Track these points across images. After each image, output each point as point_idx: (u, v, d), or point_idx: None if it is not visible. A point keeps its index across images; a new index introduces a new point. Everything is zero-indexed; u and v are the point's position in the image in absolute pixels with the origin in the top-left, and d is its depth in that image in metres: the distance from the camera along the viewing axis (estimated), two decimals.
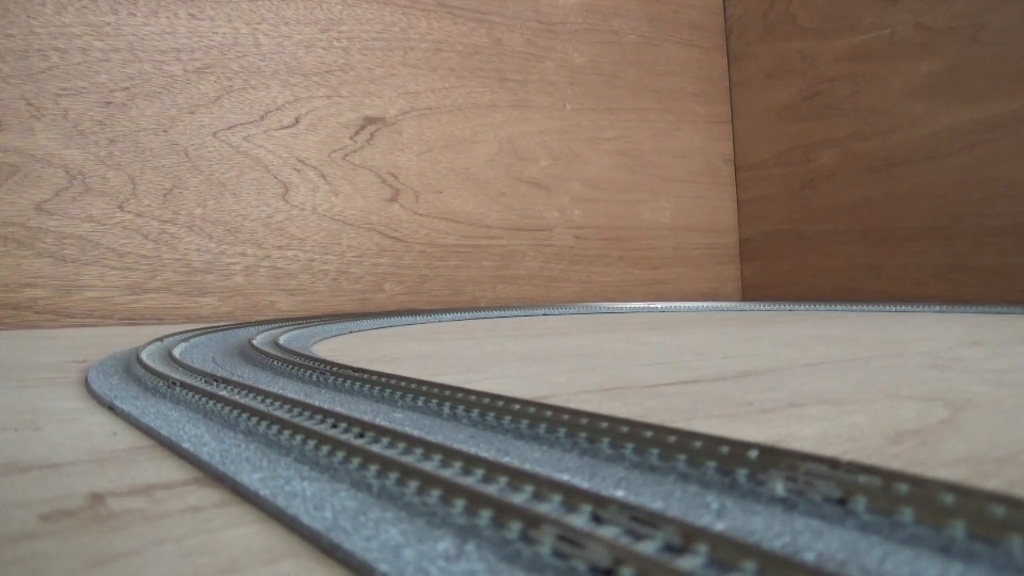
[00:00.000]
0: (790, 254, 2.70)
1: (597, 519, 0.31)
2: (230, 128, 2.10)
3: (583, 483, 0.36)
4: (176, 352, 0.97)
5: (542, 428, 0.48)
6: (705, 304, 2.27)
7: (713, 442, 0.38)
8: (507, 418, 0.51)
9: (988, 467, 0.40)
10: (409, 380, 0.63)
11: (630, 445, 0.42)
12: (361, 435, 0.47)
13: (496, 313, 2.07)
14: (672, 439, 0.40)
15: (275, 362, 0.86)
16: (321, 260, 2.19)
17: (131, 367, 0.86)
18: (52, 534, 0.34)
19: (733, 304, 2.26)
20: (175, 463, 0.46)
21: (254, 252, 2.11)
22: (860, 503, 0.32)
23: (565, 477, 0.38)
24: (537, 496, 0.34)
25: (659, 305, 2.25)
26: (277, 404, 0.57)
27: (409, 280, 2.31)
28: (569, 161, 2.59)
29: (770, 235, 2.78)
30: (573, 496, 0.32)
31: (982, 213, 2.11)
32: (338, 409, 0.52)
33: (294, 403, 0.55)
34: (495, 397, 0.53)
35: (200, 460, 0.45)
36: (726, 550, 0.26)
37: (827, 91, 2.54)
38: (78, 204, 1.92)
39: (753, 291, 2.86)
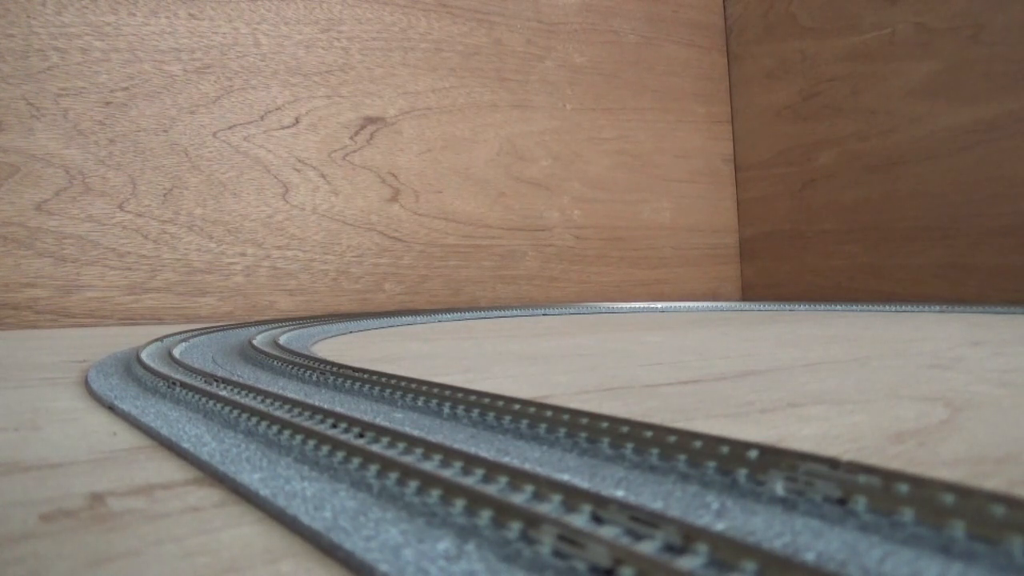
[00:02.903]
0: (790, 254, 2.70)
1: (597, 519, 0.31)
2: (230, 128, 2.10)
3: (583, 483, 0.36)
4: (176, 352, 0.97)
5: (542, 428, 0.48)
6: (705, 304, 2.27)
7: (713, 442, 0.38)
8: (507, 418, 0.51)
9: (988, 467, 0.40)
10: (409, 380, 0.63)
11: (630, 445, 0.43)
12: (361, 435, 0.47)
13: (496, 313, 2.07)
14: (672, 439, 0.40)
15: (275, 362, 0.86)
16: (321, 260, 2.19)
17: (131, 367, 0.86)
18: (52, 534, 0.34)
19: (733, 304, 2.26)
20: (175, 463, 0.46)
21: (254, 252, 2.11)
22: (860, 503, 0.32)
23: (565, 477, 0.38)
24: (537, 496, 0.34)
25: (659, 305, 2.25)
26: (277, 404, 0.57)
27: (409, 280, 2.31)
28: (569, 161, 2.59)
29: (770, 235, 2.78)
30: (573, 496, 0.32)
31: (982, 213, 2.11)
32: (338, 409, 0.52)
33: (294, 403, 0.55)
34: (495, 397, 0.53)
35: (200, 460, 0.45)
36: (726, 550, 0.26)
37: (827, 91, 2.54)
38: (78, 204, 1.92)
39: (753, 291, 2.86)
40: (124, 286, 1.95)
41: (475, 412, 0.54)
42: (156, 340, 1.07)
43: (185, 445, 0.48)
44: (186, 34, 2.05)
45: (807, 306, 2.08)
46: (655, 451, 0.41)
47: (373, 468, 0.39)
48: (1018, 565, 0.26)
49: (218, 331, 1.37)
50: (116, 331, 1.73)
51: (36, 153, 1.88)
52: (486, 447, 0.46)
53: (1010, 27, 2.03)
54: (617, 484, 0.38)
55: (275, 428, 0.50)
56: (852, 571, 0.26)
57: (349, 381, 0.70)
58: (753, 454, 0.36)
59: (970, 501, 0.29)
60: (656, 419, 0.53)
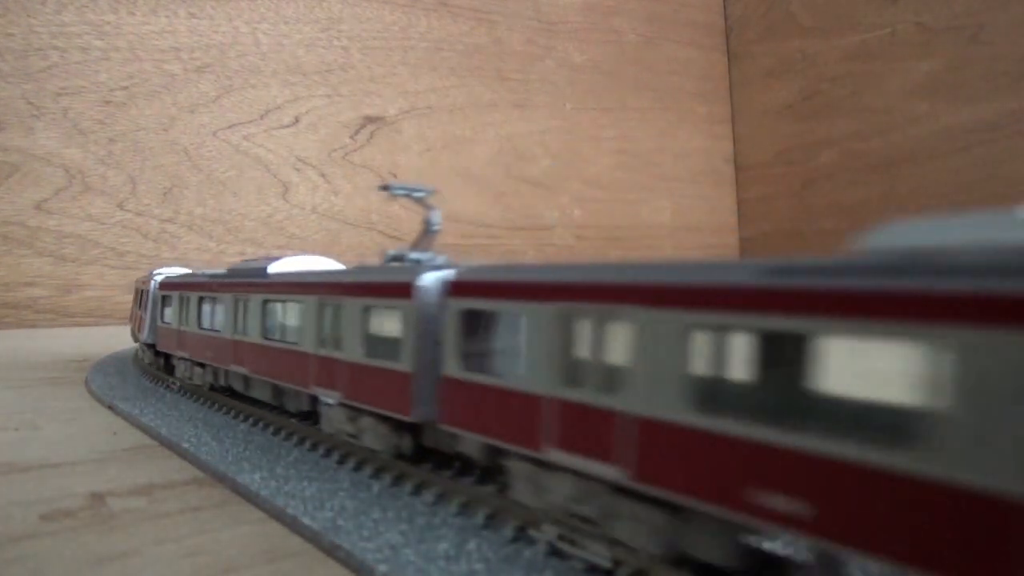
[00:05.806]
0: (790, 254, 2.70)
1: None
2: (230, 127, 2.10)
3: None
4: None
5: None
6: None
7: None
8: None
9: None
10: None
11: None
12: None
13: None
14: None
15: None
16: None
17: (131, 367, 0.86)
18: (52, 534, 0.34)
19: None
20: (175, 463, 0.47)
21: (254, 251, 2.11)
22: None
23: None
24: None
25: None
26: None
27: None
28: (569, 160, 2.59)
29: (770, 235, 2.78)
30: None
31: None
32: None
33: None
34: None
35: (200, 460, 0.45)
36: None
37: (827, 91, 2.54)
38: (78, 203, 1.91)
39: None
40: (124, 285, 1.95)
41: None
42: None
43: (185, 445, 0.48)
44: (186, 33, 2.05)
45: None
46: None
47: (371, 468, 0.39)
48: None
49: None
50: (116, 331, 1.73)
51: (36, 152, 1.88)
52: None
53: (1010, 27, 2.03)
54: None
55: (274, 428, 0.50)
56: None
57: None
58: None
59: None
60: None
